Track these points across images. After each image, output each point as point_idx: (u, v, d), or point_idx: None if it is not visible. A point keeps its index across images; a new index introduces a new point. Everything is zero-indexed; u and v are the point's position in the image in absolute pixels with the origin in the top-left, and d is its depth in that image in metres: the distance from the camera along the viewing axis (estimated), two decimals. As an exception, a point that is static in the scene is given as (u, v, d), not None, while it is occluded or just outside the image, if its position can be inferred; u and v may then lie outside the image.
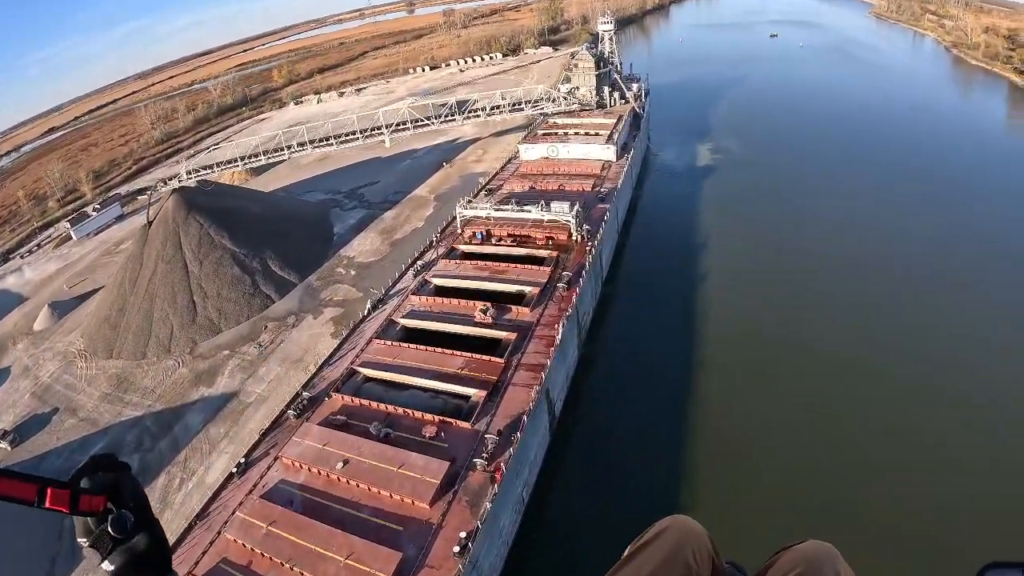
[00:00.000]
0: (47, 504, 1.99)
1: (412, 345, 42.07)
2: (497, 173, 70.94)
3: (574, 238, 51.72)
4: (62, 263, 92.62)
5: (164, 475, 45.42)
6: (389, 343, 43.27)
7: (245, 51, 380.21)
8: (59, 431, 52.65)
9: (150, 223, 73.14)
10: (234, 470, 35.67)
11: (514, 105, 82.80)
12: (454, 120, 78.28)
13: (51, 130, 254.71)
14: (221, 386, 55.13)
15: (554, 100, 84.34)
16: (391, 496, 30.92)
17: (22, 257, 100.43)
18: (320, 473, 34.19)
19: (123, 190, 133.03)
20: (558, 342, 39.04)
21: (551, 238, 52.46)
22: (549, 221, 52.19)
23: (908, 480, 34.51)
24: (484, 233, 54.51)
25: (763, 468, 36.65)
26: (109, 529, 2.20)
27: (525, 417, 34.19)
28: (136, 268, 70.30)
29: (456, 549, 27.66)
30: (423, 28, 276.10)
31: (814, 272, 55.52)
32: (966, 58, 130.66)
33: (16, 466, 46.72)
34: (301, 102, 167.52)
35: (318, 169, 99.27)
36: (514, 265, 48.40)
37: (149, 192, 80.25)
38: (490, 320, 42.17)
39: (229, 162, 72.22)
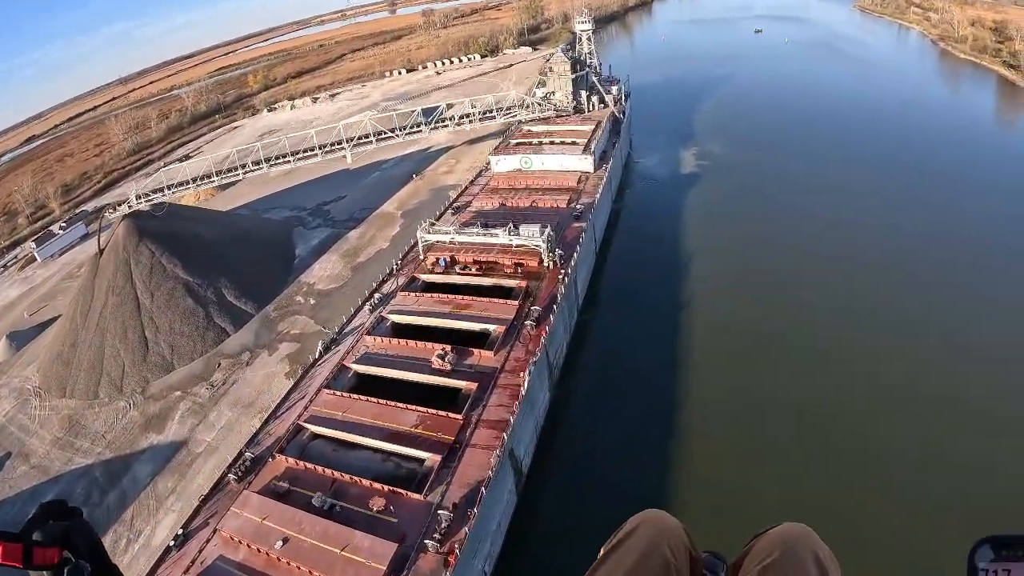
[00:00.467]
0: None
1: (363, 397, 37.79)
2: (466, 188, 66.44)
3: (546, 264, 47.51)
4: (26, 287, 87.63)
5: (111, 534, 41.94)
6: (339, 394, 38.98)
7: (227, 54, 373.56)
8: (11, 479, 49.36)
9: (101, 251, 68.61)
10: (172, 543, 32.02)
11: (485, 113, 78.26)
12: (420, 132, 73.58)
13: (31, 139, 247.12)
14: (171, 433, 51.43)
15: (528, 107, 79.95)
16: (334, 582, 26.91)
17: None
18: (260, 551, 30.37)
19: (90, 206, 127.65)
20: (523, 394, 34.83)
21: (520, 264, 48.13)
22: (518, 246, 47.99)
23: (901, 491, 33.24)
24: (448, 260, 50.14)
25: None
26: None
27: (484, 489, 29.98)
28: (87, 300, 65.75)
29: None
30: (403, 29, 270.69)
31: (806, 277, 53.46)
32: (954, 52, 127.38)
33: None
34: (274, 109, 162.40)
35: (285, 183, 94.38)
36: (479, 299, 44.03)
37: (100, 217, 75.47)
38: (449, 367, 37.87)
39: (181, 184, 67.34)
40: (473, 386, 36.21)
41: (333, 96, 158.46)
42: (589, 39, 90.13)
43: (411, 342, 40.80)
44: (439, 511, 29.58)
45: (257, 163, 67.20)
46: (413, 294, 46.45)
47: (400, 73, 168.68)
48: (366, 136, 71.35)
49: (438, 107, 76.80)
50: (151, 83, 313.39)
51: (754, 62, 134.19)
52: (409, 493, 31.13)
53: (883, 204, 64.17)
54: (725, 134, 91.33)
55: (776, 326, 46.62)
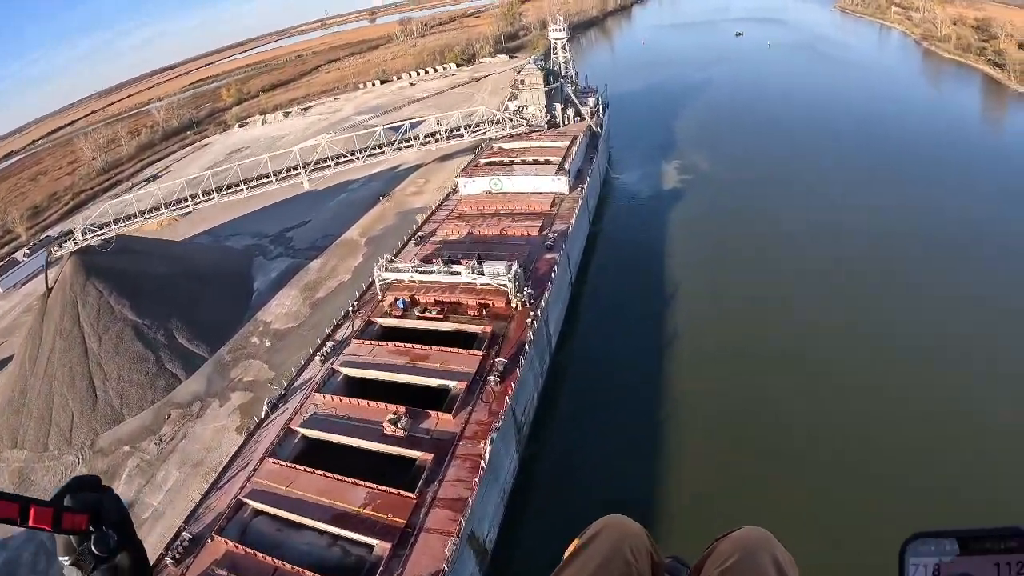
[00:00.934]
0: (30, 523, 1.92)
1: (309, 469, 33.80)
2: (431, 214, 62.36)
3: (513, 305, 43.69)
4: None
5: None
6: (284, 464, 34.89)
7: (207, 65, 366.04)
8: (-43, 546, 44.37)
9: (49, 290, 64.31)
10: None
11: (452, 131, 74.27)
12: (382, 153, 69.41)
13: (9, 155, 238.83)
14: (119, 494, 47.12)
15: (499, 122, 76.12)
16: None
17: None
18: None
19: (56, 231, 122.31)
20: (484, 467, 30.95)
21: (486, 305, 44.18)
22: (483, 285, 44.14)
23: (893, 504, 31.41)
24: (407, 300, 46.08)
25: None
26: (92, 548, 2.11)
27: (436, 588, 26.23)
28: (36, 344, 61.28)
29: None
30: (381, 38, 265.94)
31: (799, 299, 50.67)
32: (938, 51, 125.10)
33: None
34: (246, 124, 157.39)
35: (250, 206, 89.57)
36: (439, 348, 40.06)
37: (48, 250, 70.87)
38: (403, 432, 33.88)
39: (129, 218, 62.97)
40: (428, 457, 32.20)
41: (305, 110, 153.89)
42: (564, 47, 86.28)
43: (363, 402, 36.72)
44: (385, 617, 25.74)
45: (208, 193, 62.77)
46: (368, 342, 42.33)
47: (374, 85, 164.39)
48: (324, 160, 67.15)
49: (402, 126, 72.56)
50: (129, 96, 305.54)
51: (737, 65, 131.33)
52: (353, 591, 27.28)
53: (877, 212, 61.72)
54: (709, 144, 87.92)
55: (775, 385, 42.14)
